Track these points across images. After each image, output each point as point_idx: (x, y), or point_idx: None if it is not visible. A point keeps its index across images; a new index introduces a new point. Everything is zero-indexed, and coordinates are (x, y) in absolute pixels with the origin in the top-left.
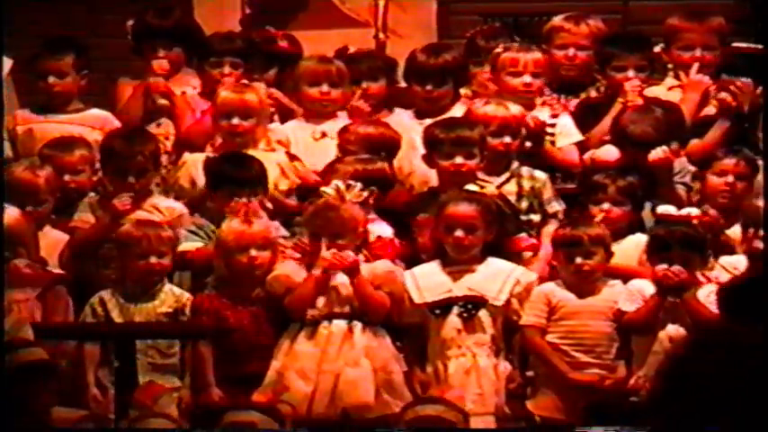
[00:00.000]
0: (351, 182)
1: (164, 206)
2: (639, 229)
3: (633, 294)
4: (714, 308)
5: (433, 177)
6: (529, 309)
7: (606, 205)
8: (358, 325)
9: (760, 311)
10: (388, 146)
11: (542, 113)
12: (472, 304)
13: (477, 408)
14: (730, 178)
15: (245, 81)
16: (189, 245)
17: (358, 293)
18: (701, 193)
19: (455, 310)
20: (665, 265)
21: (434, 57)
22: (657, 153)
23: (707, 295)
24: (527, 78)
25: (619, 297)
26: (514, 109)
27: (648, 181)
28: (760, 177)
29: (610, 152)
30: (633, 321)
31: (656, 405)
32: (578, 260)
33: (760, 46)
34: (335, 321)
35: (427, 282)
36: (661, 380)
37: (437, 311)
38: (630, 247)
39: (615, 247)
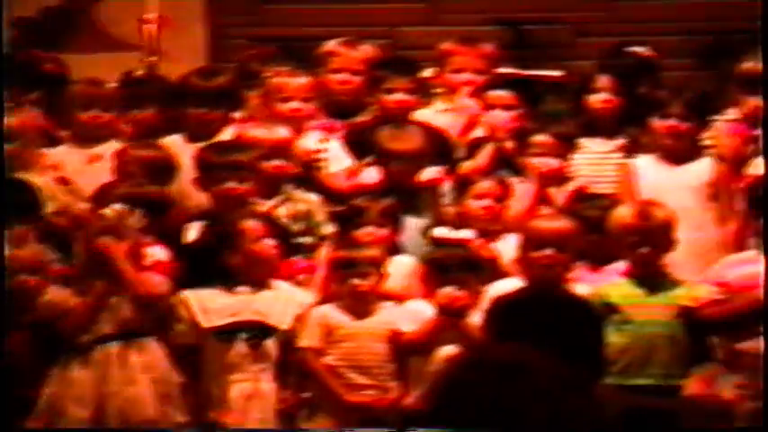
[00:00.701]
0: (129, 206)
1: None
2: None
3: (411, 315)
4: None
5: (205, 200)
6: (305, 331)
7: (370, 228)
8: (131, 343)
9: (528, 331)
10: (166, 168)
11: (313, 137)
12: (259, 330)
13: None
14: (488, 201)
15: (10, 104)
16: None
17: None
18: (461, 216)
19: (241, 335)
20: (449, 288)
21: (207, 80)
22: (429, 174)
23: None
24: (296, 103)
25: (394, 318)
26: (284, 133)
27: (410, 200)
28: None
29: (370, 174)
30: (412, 342)
31: (428, 423)
32: (354, 281)
33: (527, 72)
34: (109, 343)
35: (214, 304)
36: (432, 398)
37: (222, 335)
38: (394, 269)
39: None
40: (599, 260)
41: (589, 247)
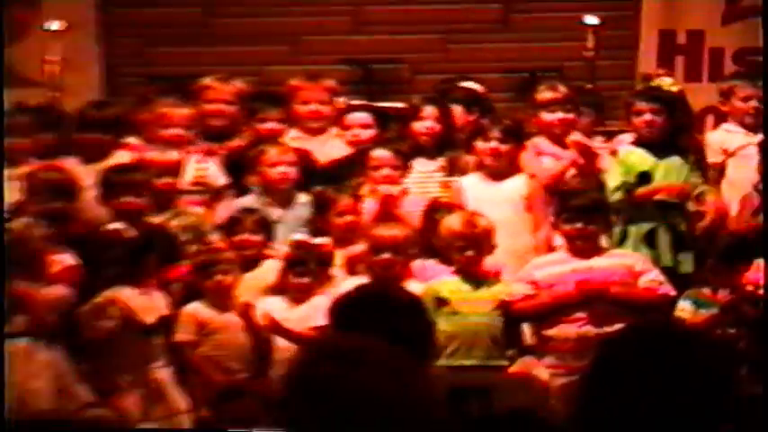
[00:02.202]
0: (32, 220)
1: None
2: None
3: (263, 310)
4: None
5: (104, 213)
6: (180, 327)
7: (246, 235)
8: (39, 342)
9: (362, 323)
10: (69, 187)
11: (193, 159)
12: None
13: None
14: (349, 217)
15: None
16: None
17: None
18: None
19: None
20: (305, 279)
21: (100, 110)
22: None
23: None
24: (179, 130)
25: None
26: (174, 155)
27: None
28: None
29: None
30: (267, 332)
31: (284, 404)
32: (218, 278)
33: (374, 104)
34: (19, 339)
35: (140, 304)
36: (286, 382)
37: (150, 330)
38: (271, 268)
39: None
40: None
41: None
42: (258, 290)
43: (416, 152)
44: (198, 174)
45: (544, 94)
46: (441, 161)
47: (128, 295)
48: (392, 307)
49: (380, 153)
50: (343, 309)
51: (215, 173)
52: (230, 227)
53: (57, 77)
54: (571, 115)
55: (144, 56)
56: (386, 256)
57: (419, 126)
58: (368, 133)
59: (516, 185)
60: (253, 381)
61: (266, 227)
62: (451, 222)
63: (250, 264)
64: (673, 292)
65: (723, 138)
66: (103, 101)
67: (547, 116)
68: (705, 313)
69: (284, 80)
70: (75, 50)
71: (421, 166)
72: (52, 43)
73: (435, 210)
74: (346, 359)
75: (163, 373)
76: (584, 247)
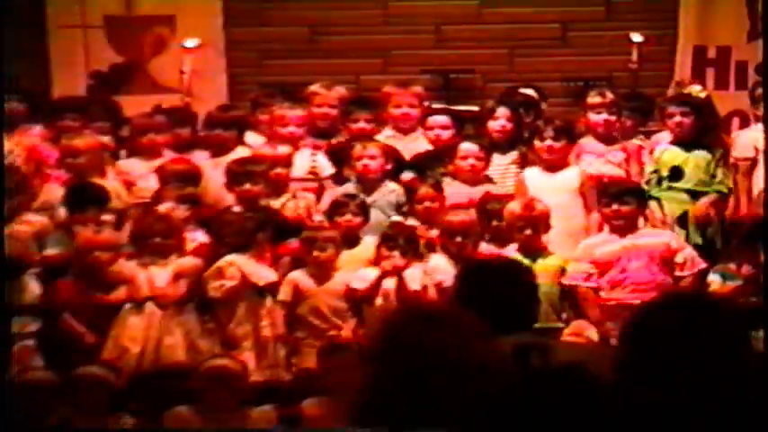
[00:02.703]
0: (174, 204)
1: (33, 219)
2: None
3: (361, 277)
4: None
5: (228, 198)
6: (282, 290)
7: (348, 216)
8: (173, 305)
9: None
10: (194, 176)
11: (306, 153)
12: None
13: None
14: (427, 203)
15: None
16: (50, 251)
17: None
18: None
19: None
20: (395, 253)
21: (224, 112)
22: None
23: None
24: (292, 129)
25: (348, 280)
26: (285, 150)
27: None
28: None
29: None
30: (363, 296)
31: (374, 358)
32: (315, 253)
33: (453, 107)
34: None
35: (253, 269)
36: (377, 339)
37: (259, 292)
38: (370, 245)
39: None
40: (503, 241)
41: (496, 232)
42: (358, 263)
43: (492, 148)
44: (311, 166)
45: (594, 98)
46: (514, 155)
47: (242, 261)
48: (510, 278)
49: (468, 146)
50: (469, 277)
51: (323, 165)
52: (335, 209)
53: (189, 86)
54: (614, 117)
55: (261, 67)
56: (458, 239)
57: (493, 125)
58: (447, 133)
59: (571, 176)
60: (351, 338)
61: (366, 210)
62: (513, 207)
63: (352, 241)
64: (704, 265)
65: (757, 136)
66: (227, 105)
67: (594, 117)
68: (731, 285)
69: (377, 87)
70: (205, 63)
71: (498, 159)
72: (186, 57)
73: (488, 202)
74: (428, 322)
75: (268, 330)
76: (621, 226)
